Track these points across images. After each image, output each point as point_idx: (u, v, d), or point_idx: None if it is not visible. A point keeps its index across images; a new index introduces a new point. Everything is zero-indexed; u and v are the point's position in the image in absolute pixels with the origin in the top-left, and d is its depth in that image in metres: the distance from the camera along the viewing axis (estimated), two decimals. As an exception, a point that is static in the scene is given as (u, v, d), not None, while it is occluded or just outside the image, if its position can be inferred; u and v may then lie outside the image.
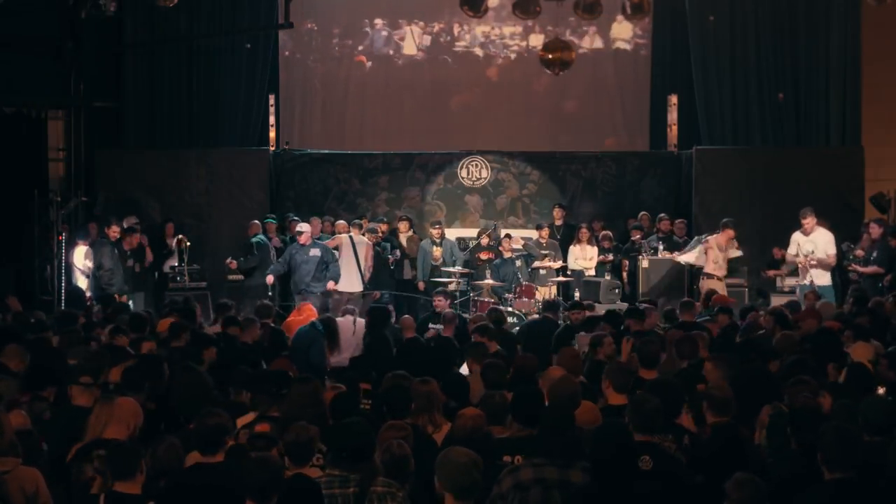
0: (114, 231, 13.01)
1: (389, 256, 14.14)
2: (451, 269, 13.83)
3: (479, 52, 16.81)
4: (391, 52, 16.78)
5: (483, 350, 7.66)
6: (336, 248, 13.24)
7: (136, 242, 13.50)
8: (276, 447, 5.21)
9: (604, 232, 14.80)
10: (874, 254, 12.40)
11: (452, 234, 15.21)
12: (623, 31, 16.65)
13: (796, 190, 14.50)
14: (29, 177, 14.34)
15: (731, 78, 15.92)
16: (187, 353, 7.83)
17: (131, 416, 5.56)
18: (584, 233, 14.53)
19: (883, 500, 4.61)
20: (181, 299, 11.67)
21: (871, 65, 15.75)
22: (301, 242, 12.73)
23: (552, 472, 4.72)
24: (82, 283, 13.26)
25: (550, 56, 12.38)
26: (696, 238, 13.73)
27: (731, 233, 13.20)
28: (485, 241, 14.40)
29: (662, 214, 14.70)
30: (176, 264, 13.89)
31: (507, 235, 14.33)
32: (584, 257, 14.47)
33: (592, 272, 14.41)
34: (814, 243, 12.53)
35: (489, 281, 13.52)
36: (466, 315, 11.90)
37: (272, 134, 15.99)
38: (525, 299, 13.16)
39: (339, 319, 10.28)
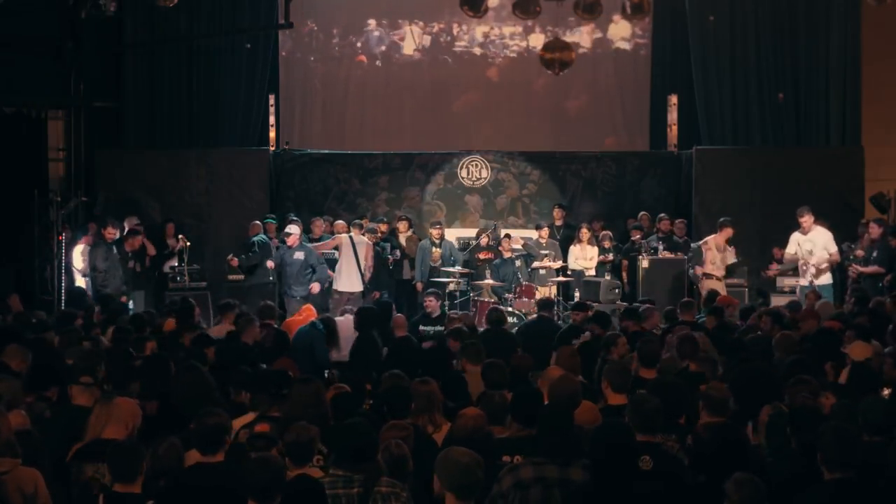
0: (109, 232, 12.98)
1: (389, 256, 14.15)
2: (450, 270, 13.84)
3: (479, 52, 16.81)
4: (391, 52, 16.78)
5: (479, 350, 7.64)
6: (336, 248, 13.25)
7: (139, 244, 13.51)
8: (276, 447, 5.21)
9: (604, 232, 14.81)
10: (874, 253, 12.40)
11: (452, 234, 15.22)
12: (623, 31, 16.65)
13: (796, 190, 14.49)
14: (29, 177, 14.34)
15: (731, 78, 15.92)
16: (190, 352, 7.83)
17: (130, 416, 5.56)
18: (585, 233, 14.53)
19: (883, 500, 4.61)
20: (178, 299, 11.68)
21: (871, 65, 15.75)
22: (288, 244, 12.78)
23: (552, 471, 4.72)
24: (81, 283, 13.26)
25: (550, 56, 12.38)
26: (695, 246, 13.63)
27: (729, 231, 13.20)
28: (484, 240, 14.40)
29: (662, 214, 14.69)
30: (176, 264, 13.90)
31: (507, 235, 14.34)
32: (584, 257, 14.47)
33: (593, 272, 14.41)
34: (813, 242, 12.53)
35: (489, 281, 13.52)
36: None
37: (272, 134, 16.00)
38: (525, 299, 13.16)
39: (338, 319, 10.29)
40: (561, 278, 14.11)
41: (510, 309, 12.70)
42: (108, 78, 15.80)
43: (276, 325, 9.95)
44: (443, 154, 15.95)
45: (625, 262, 14.56)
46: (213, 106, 15.95)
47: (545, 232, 14.46)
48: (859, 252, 12.73)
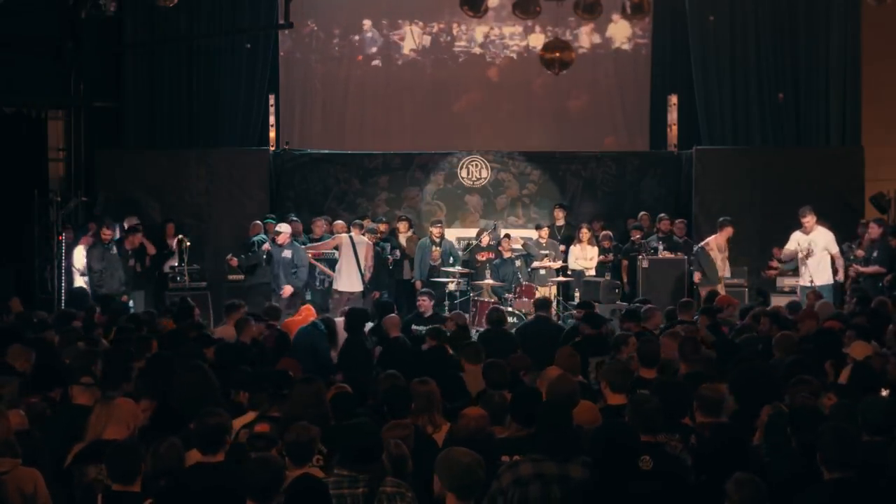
0: (105, 233, 12.98)
1: (389, 256, 14.15)
2: (450, 270, 13.84)
3: (479, 52, 16.81)
4: (391, 52, 16.78)
5: (478, 350, 7.65)
6: (336, 247, 13.25)
7: (138, 242, 13.51)
8: (276, 447, 5.21)
9: (604, 232, 14.81)
10: (874, 253, 12.40)
11: (452, 234, 15.22)
12: (623, 31, 16.65)
13: (796, 190, 14.49)
14: (29, 177, 14.35)
15: (731, 78, 15.92)
16: (191, 352, 7.83)
17: (130, 416, 5.56)
18: (585, 233, 14.53)
19: (883, 500, 4.61)
20: (177, 299, 11.68)
21: (871, 65, 15.75)
22: (278, 242, 12.82)
23: (551, 467, 4.72)
24: (81, 283, 13.27)
25: (550, 56, 12.39)
26: (697, 249, 13.62)
27: (729, 230, 13.21)
28: (486, 240, 14.40)
29: (662, 214, 14.68)
30: (176, 264, 13.90)
31: (507, 235, 14.34)
32: (584, 257, 14.47)
33: (593, 272, 14.41)
34: (814, 242, 12.53)
35: (489, 281, 13.52)
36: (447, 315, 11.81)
37: (272, 134, 16.00)
38: (525, 299, 13.15)
39: (338, 319, 10.28)
40: (561, 278, 14.11)
41: (510, 309, 12.70)
42: (108, 78, 15.81)
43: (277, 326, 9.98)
44: (443, 154, 15.95)
45: (625, 262, 14.56)
46: (213, 106, 15.95)
47: (545, 232, 14.46)
48: (860, 252, 12.73)
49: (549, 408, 5.11)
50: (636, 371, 7.00)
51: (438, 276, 13.94)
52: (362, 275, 13.14)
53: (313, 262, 13.51)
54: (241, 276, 13.57)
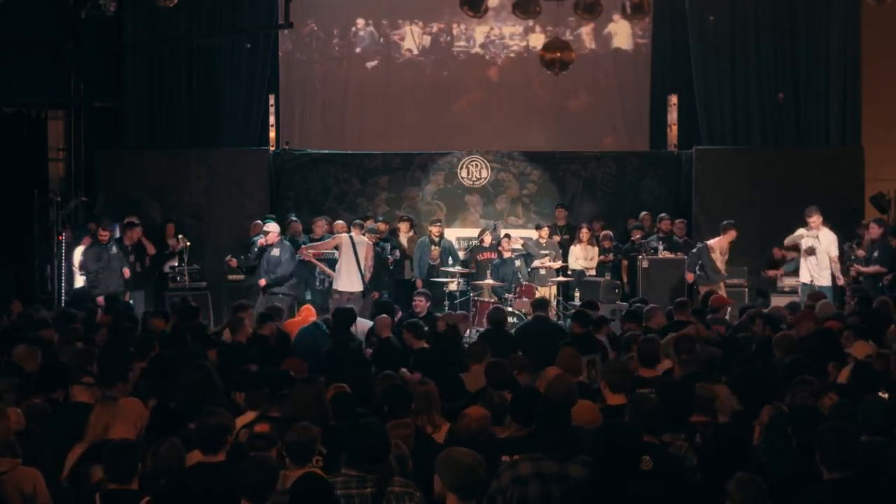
0: (102, 234, 12.96)
1: (389, 256, 14.15)
2: (450, 270, 13.83)
3: (479, 52, 16.81)
4: (391, 52, 16.78)
5: (482, 349, 7.66)
6: (336, 247, 13.24)
7: (137, 237, 13.50)
8: (276, 447, 5.21)
9: (604, 232, 14.81)
10: (875, 253, 12.41)
11: (453, 234, 15.22)
12: (623, 31, 16.65)
13: (796, 190, 14.49)
14: (29, 177, 14.35)
15: (731, 78, 15.92)
16: (193, 352, 7.83)
17: (138, 416, 5.56)
18: (585, 233, 14.53)
19: (883, 500, 4.61)
20: (179, 300, 11.67)
21: (871, 65, 15.75)
22: (267, 242, 12.81)
23: (551, 466, 4.73)
24: (82, 283, 13.26)
25: (550, 56, 12.37)
26: (695, 251, 13.60)
27: (733, 234, 13.23)
28: (488, 239, 14.39)
29: (663, 214, 14.68)
30: (176, 264, 13.89)
31: (507, 235, 14.34)
32: (584, 257, 14.47)
33: (593, 272, 14.41)
34: (817, 242, 12.54)
35: (489, 281, 13.52)
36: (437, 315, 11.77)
37: (272, 134, 16.00)
38: (525, 299, 13.14)
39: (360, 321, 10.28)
40: (561, 278, 14.11)
41: (510, 309, 12.70)
42: (108, 78, 15.80)
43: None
44: (443, 154, 15.95)
45: (625, 262, 14.56)
46: (213, 106, 15.95)
47: (545, 232, 14.47)
48: (860, 252, 12.74)
49: (548, 407, 5.11)
50: (636, 371, 7.01)
51: (438, 276, 13.94)
52: (362, 275, 13.13)
53: (314, 261, 13.50)
54: (241, 277, 13.57)
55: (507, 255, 14.01)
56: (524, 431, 5.33)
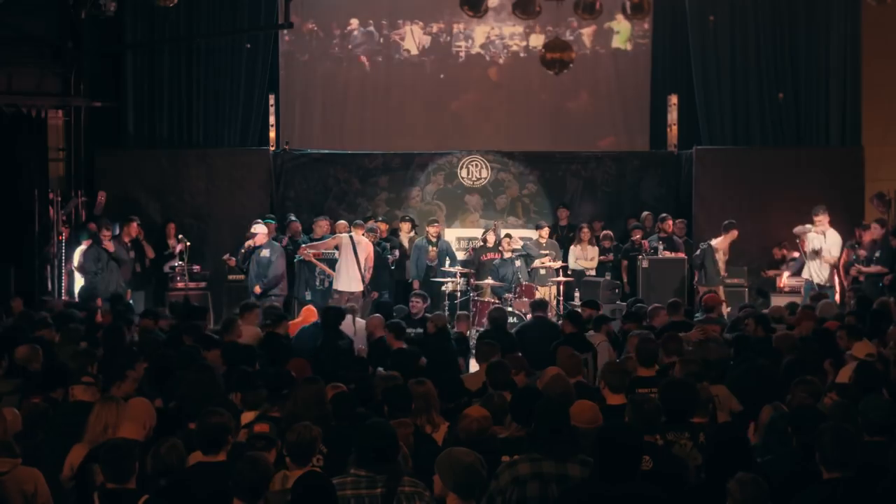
0: (105, 235, 12.97)
1: (389, 256, 14.14)
2: (450, 270, 13.82)
3: (479, 52, 16.80)
4: (391, 52, 16.77)
5: (490, 349, 7.67)
6: (336, 247, 13.24)
7: (135, 232, 13.50)
8: (276, 447, 5.21)
9: (604, 232, 14.81)
10: (876, 253, 12.42)
11: (452, 234, 15.21)
12: (623, 31, 16.65)
13: (796, 190, 14.49)
14: (29, 177, 14.34)
15: (731, 78, 15.90)
16: (193, 353, 7.83)
17: (147, 416, 5.55)
18: (586, 233, 14.54)
19: (882, 500, 4.61)
20: (181, 300, 11.66)
21: (871, 64, 15.72)
22: (256, 243, 12.81)
23: (550, 466, 4.73)
24: (80, 282, 13.26)
25: (550, 56, 12.36)
26: (698, 252, 13.59)
27: (734, 233, 13.25)
28: (491, 239, 14.38)
29: (665, 214, 14.67)
30: (176, 264, 13.89)
31: (507, 235, 14.33)
32: (585, 257, 14.47)
33: (593, 272, 14.42)
34: (823, 242, 12.55)
35: (489, 281, 13.51)
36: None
37: (272, 134, 15.99)
38: (525, 299, 13.14)
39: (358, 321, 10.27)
40: (561, 278, 14.11)
41: (510, 309, 12.69)
42: (108, 78, 15.79)
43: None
44: (443, 154, 15.95)
45: (625, 263, 14.57)
46: (213, 106, 15.94)
47: (545, 232, 14.46)
48: (861, 252, 12.75)
49: (546, 407, 5.11)
50: (635, 371, 7.01)
51: (436, 277, 13.93)
52: (362, 275, 13.13)
53: (314, 261, 13.50)
54: (241, 276, 13.57)
55: (507, 255, 14.01)
56: (524, 431, 5.33)
